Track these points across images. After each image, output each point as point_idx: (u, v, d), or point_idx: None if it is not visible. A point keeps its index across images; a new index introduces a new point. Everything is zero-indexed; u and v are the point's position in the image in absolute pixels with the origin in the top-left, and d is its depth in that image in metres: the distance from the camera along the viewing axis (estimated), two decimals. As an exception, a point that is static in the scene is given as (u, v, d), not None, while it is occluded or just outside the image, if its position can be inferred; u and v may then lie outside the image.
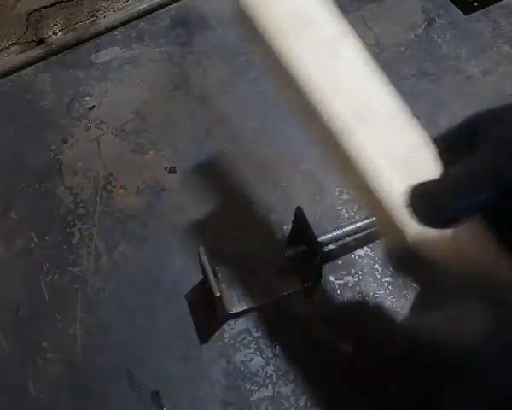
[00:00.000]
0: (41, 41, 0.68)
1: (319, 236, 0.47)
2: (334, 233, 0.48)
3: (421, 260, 0.30)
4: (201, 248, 0.46)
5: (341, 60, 0.36)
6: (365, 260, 0.50)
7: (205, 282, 0.47)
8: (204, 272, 0.45)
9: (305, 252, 0.47)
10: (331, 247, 0.50)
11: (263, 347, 0.46)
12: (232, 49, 0.67)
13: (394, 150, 0.33)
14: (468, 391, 0.31)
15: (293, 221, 0.49)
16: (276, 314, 0.48)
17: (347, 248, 0.51)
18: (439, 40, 0.67)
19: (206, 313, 0.48)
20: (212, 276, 0.44)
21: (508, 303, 0.30)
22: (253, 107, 0.62)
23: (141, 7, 0.71)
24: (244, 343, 0.46)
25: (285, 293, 0.48)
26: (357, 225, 0.48)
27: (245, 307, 0.47)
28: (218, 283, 0.44)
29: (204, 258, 0.45)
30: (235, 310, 0.47)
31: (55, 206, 0.55)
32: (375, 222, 0.43)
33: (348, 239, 0.50)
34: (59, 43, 0.68)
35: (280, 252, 0.48)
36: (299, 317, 0.48)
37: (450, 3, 0.71)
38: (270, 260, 0.50)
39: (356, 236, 0.50)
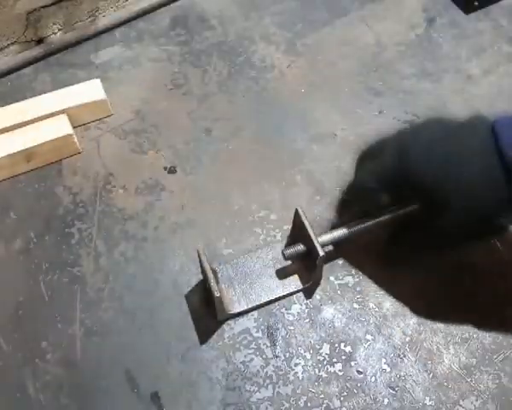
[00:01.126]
0: (40, 40, 0.68)
1: (319, 236, 0.47)
2: (335, 233, 0.48)
3: None
4: (201, 248, 0.45)
5: None
6: (365, 260, 0.50)
7: (205, 282, 0.47)
8: (204, 272, 0.45)
9: (305, 252, 0.47)
10: (331, 246, 0.50)
11: (263, 347, 0.46)
12: (232, 48, 0.67)
13: None
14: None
15: (293, 222, 0.49)
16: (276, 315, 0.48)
17: (347, 248, 0.51)
18: (440, 40, 0.67)
19: (206, 313, 0.47)
20: (211, 276, 0.43)
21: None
22: (252, 106, 0.62)
23: (141, 6, 0.71)
24: (244, 343, 0.46)
25: (285, 293, 0.48)
26: (357, 225, 0.48)
27: (245, 307, 0.47)
28: (217, 283, 0.44)
29: (204, 258, 0.45)
30: (235, 310, 0.47)
31: (55, 206, 0.55)
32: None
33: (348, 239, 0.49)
34: (58, 43, 0.68)
35: (280, 252, 0.48)
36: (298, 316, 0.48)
37: (451, 3, 0.70)
38: (270, 260, 0.50)
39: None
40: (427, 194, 0.42)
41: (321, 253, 0.44)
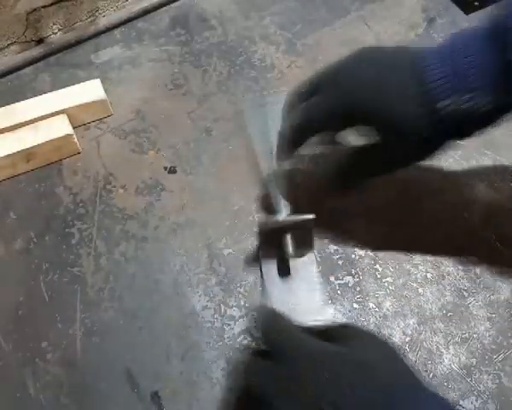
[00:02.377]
0: (40, 40, 0.68)
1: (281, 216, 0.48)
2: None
3: None
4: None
5: None
6: (365, 260, 0.50)
7: None
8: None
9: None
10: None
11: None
12: (232, 48, 0.67)
13: None
14: None
15: (259, 233, 0.49)
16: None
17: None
18: (440, 40, 0.67)
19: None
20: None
21: None
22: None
23: (141, 6, 0.71)
24: (244, 343, 0.46)
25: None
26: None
27: None
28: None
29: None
30: None
31: (55, 206, 0.55)
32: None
33: None
34: (58, 43, 0.68)
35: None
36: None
37: (451, 3, 0.70)
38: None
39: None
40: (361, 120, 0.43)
41: (311, 216, 0.46)
